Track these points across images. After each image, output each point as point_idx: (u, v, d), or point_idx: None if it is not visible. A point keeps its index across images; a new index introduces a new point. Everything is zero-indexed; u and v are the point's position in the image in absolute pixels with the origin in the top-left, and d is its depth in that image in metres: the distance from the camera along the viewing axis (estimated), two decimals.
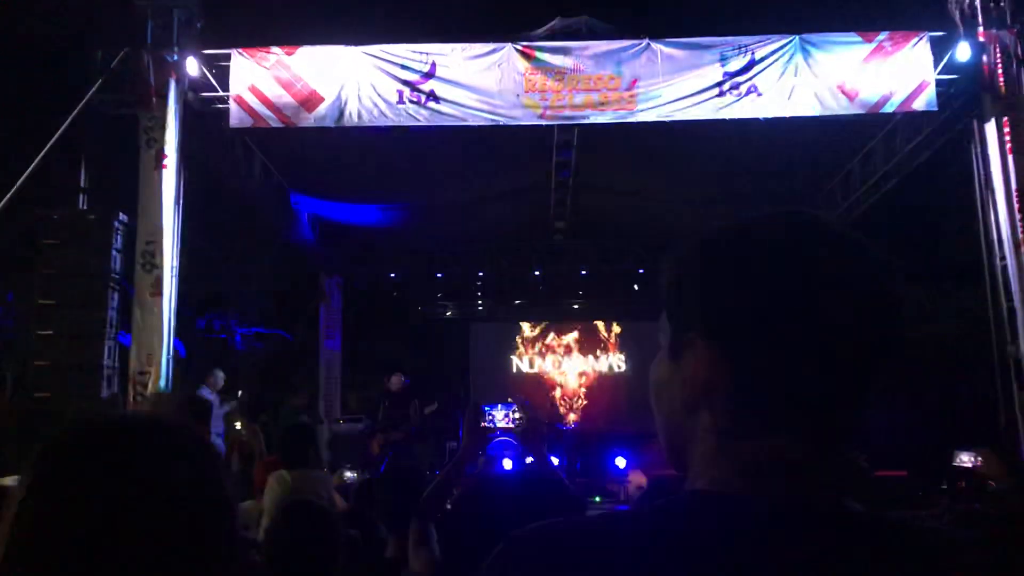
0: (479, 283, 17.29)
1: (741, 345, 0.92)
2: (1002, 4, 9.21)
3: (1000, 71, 9.04)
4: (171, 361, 9.02)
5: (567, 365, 19.54)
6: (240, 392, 12.42)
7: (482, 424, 3.36)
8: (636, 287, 17.58)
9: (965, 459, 9.58)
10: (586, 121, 9.52)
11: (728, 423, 0.94)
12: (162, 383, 8.75)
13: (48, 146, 8.85)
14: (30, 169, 8.77)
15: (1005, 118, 8.97)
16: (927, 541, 0.91)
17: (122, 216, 9.27)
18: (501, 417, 10.77)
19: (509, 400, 14.87)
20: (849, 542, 0.88)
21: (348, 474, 11.22)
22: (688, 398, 0.97)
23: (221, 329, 17.71)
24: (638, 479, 13.62)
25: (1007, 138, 8.92)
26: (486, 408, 11.61)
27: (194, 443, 1.07)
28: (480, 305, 18.72)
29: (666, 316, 1.03)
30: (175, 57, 9.20)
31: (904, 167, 11.25)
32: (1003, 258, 8.98)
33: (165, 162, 9.05)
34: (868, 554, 0.87)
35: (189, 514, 1.02)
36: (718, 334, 0.94)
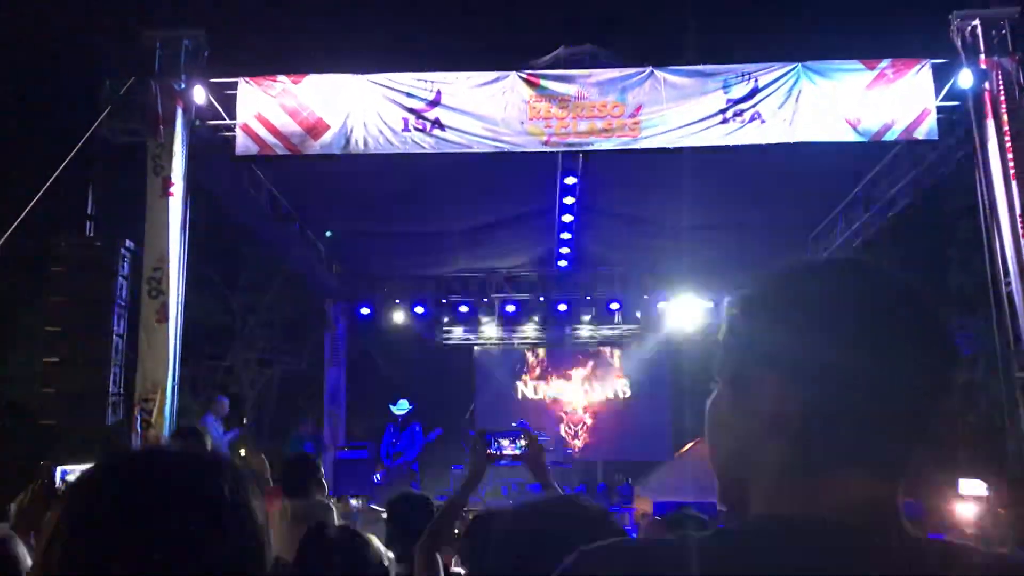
0: (484, 309, 17.27)
1: (812, 382, 0.95)
2: (1003, 32, 9.26)
3: (1003, 98, 9.08)
4: (176, 388, 9.02)
5: (571, 392, 19.48)
6: (245, 420, 12.41)
7: (488, 451, 3.36)
8: (639, 314, 17.58)
9: (972, 487, 9.52)
10: (590, 148, 9.57)
11: (796, 458, 0.96)
12: (167, 410, 8.75)
13: (56, 174, 8.91)
14: (37, 196, 8.83)
15: (1008, 144, 8.99)
16: (990, 565, 0.93)
17: (128, 243, 9.31)
18: (508, 445, 10.75)
19: (515, 426, 14.82)
20: (915, 566, 0.90)
21: (353, 501, 11.18)
22: (755, 433, 0.99)
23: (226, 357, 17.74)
24: (643, 506, 13.60)
25: (1011, 164, 8.93)
26: (492, 436, 11.55)
27: (233, 479, 1.03)
28: (485, 331, 18.68)
29: (726, 351, 1.06)
30: (182, 86, 9.28)
31: (908, 193, 11.27)
32: (1008, 283, 8.96)
33: (171, 189, 9.10)
34: None
35: (225, 552, 0.99)
36: (789, 370, 0.97)
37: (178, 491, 0.98)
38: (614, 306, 17.07)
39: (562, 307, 17.03)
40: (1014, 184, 8.90)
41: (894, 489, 0.96)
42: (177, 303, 9.07)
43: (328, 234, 14.26)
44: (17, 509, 3.13)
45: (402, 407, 12.51)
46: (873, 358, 0.93)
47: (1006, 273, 9.05)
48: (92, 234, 9.69)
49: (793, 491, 0.96)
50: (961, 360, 1.02)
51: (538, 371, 19.60)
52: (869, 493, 0.94)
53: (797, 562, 0.89)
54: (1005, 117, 9.04)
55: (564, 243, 14.72)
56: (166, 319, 8.90)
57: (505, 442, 3.29)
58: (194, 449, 1.06)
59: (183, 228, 9.24)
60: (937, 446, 0.98)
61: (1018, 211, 8.82)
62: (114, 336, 9.10)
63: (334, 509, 5.28)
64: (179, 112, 9.22)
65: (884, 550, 0.91)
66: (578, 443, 18.69)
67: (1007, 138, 9.02)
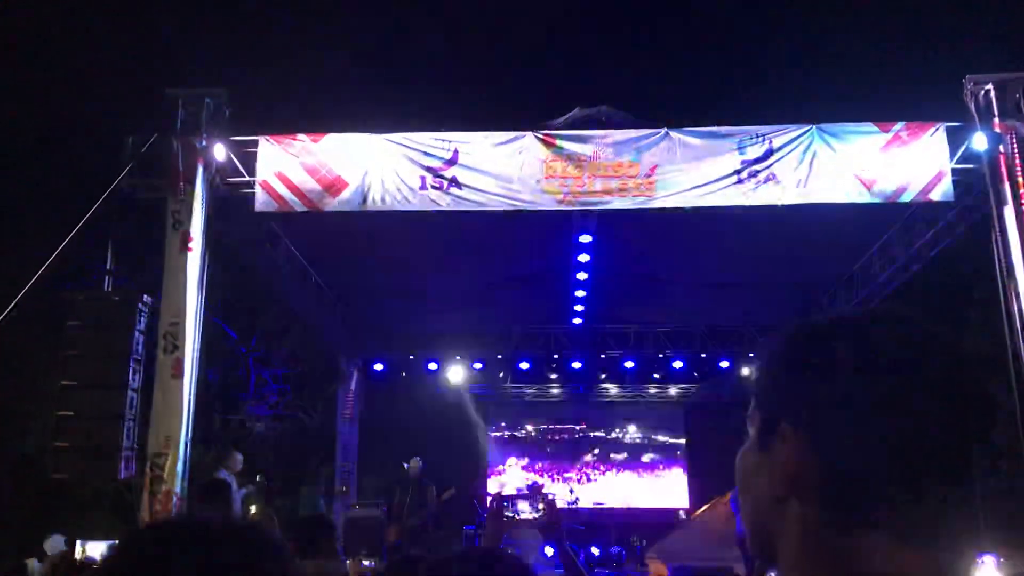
0: (499, 367, 17.22)
1: (831, 437, 0.93)
2: (1017, 95, 9.32)
3: (1018, 161, 9.09)
4: (189, 443, 8.99)
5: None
6: (259, 476, 12.33)
7: (505, 515, 3.32)
8: (657, 376, 17.52)
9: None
10: (606, 207, 9.61)
11: (817, 516, 0.94)
12: (179, 466, 8.71)
13: (76, 228, 9.01)
14: (58, 250, 8.93)
15: None
16: None
17: (146, 298, 9.37)
18: (526, 509, 10.57)
19: (529, 489, 14.70)
20: None
21: (365, 562, 11.05)
22: (777, 488, 0.97)
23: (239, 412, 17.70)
24: (657, 568, 13.36)
25: None
26: (509, 499, 11.42)
27: (275, 555, 1.02)
28: (501, 388, 18.61)
29: (755, 404, 1.04)
30: (203, 143, 9.42)
31: (925, 255, 11.25)
32: None
33: (191, 244, 9.18)
34: None
35: None
36: (808, 424, 0.95)
37: (222, 569, 0.95)
38: (628, 364, 17.01)
39: (576, 364, 16.98)
40: None
41: (936, 561, 0.91)
42: (192, 358, 9.08)
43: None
44: None
45: (415, 465, 12.37)
46: (899, 417, 0.90)
47: None
48: (110, 288, 9.76)
49: (816, 555, 0.93)
50: (998, 417, 0.97)
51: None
52: (894, 559, 0.89)
53: None
54: (1021, 180, 9.05)
55: (579, 300, 14.72)
56: (181, 374, 8.91)
57: (523, 506, 3.24)
58: (228, 521, 1.03)
59: (200, 284, 9.29)
60: (973, 510, 0.94)
61: None
62: (129, 391, 9.10)
63: (349, 572, 5.21)
64: (200, 169, 9.34)
65: None
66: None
67: (1023, 199, 9.02)
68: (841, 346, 0.96)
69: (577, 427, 19.58)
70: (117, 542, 1.03)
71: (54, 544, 8.65)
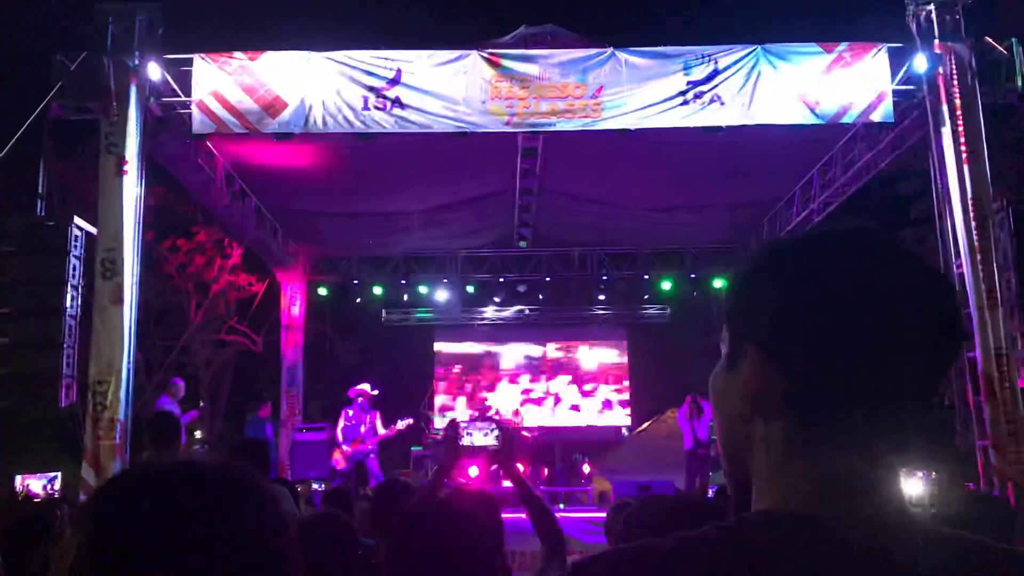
0: (443, 290, 17.20)
1: (794, 357, 0.92)
2: (957, 16, 9.40)
3: (956, 83, 9.22)
4: (132, 370, 8.87)
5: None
6: (202, 403, 12.25)
7: (459, 444, 3.34)
8: (602, 296, 17.71)
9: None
10: (552, 128, 9.55)
11: (784, 436, 0.93)
12: (122, 393, 8.60)
13: (4, 151, 8.68)
14: None
15: (961, 129, 9.14)
16: (1002, 559, 0.89)
17: (80, 222, 9.11)
18: (481, 437, 10.60)
19: (480, 415, 14.86)
20: (935, 562, 0.86)
21: (315, 486, 11.17)
22: (743, 407, 0.97)
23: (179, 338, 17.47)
24: (601, 484, 13.71)
25: (963, 148, 9.09)
26: (464, 426, 11.50)
27: (262, 496, 0.97)
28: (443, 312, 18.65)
29: (726, 326, 1.03)
30: (136, 62, 9.07)
31: (863, 175, 11.45)
32: (960, 265, 9.14)
33: (125, 168, 8.91)
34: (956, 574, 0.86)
35: (250, 571, 0.93)
36: (771, 344, 0.94)
37: (213, 511, 0.92)
38: (572, 286, 17.18)
39: (521, 288, 17.05)
40: (966, 168, 9.06)
41: (894, 477, 0.91)
42: (132, 284, 8.91)
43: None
44: None
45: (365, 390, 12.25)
46: (858, 330, 0.89)
47: (957, 254, 9.23)
48: (42, 213, 9.46)
49: (785, 477, 0.92)
50: (963, 330, 0.96)
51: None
52: (862, 477, 0.89)
53: (794, 567, 0.85)
54: (958, 102, 9.19)
55: (524, 223, 14.72)
56: (121, 301, 8.74)
57: (478, 434, 3.27)
58: (230, 467, 0.98)
59: (137, 207, 9.06)
60: (936, 430, 0.94)
61: (969, 194, 8.99)
62: (67, 317, 8.91)
63: (288, 494, 5.20)
64: (133, 89, 9.02)
65: (886, 548, 0.86)
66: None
67: (959, 122, 9.17)
68: (801, 262, 0.95)
69: (523, 349, 19.77)
70: (97, 487, 0.98)
71: None
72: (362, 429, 11.80)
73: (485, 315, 19.08)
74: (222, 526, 0.91)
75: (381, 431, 11.91)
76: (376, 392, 12.28)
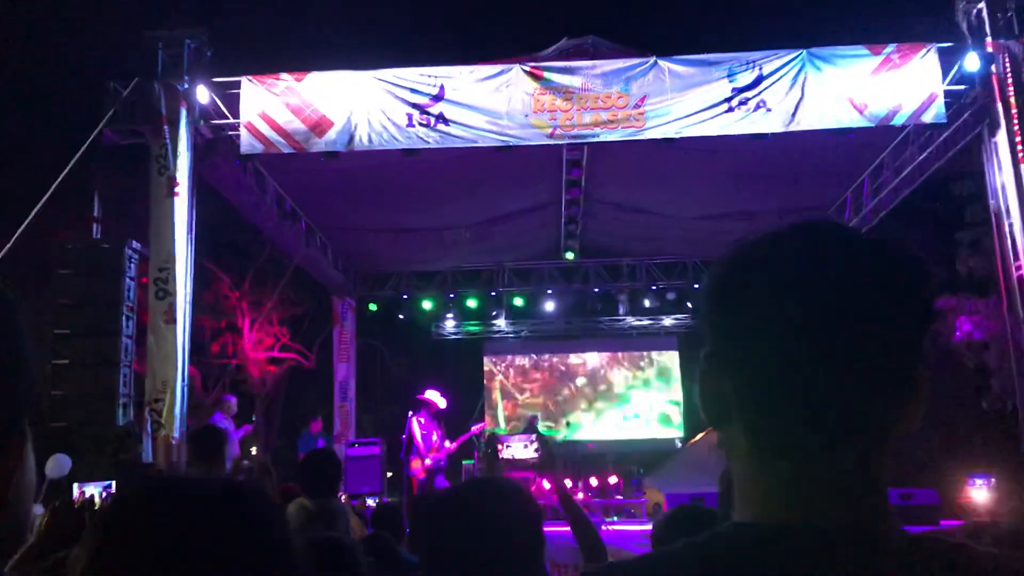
0: (492, 303, 17.23)
1: (737, 366, 0.90)
2: (1009, 14, 9.20)
3: (1010, 80, 9.02)
4: (186, 388, 9.03)
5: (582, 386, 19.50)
6: (254, 418, 12.37)
7: (499, 457, 3.32)
8: (647, 303, 17.57)
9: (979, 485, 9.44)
10: (596, 139, 9.53)
11: (746, 447, 0.91)
12: (176, 410, 8.76)
13: (61, 177, 8.92)
14: (43, 200, 8.84)
15: (1016, 127, 8.93)
16: (987, 565, 0.85)
17: (135, 244, 9.32)
18: (520, 448, 10.33)
19: (527, 427, 14.75)
20: (910, 568, 0.83)
21: (369, 501, 11.12)
22: (708, 417, 0.95)
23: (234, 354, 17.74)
24: (654, 495, 13.57)
25: (1019, 147, 8.88)
26: (503, 440, 11.27)
27: (270, 517, 0.99)
28: (493, 325, 18.67)
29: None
30: (185, 86, 9.28)
31: (916, 177, 11.21)
32: (1019, 267, 8.92)
33: (177, 189, 9.11)
34: None
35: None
36: (722, 352, 0.92)
37: (223, 522, 0.92)
38: (621, 297, 17.08)
39: (570, 299, 17.02)
40: (1023, 167, 8.84)
41: (865, 483, 0.87)
42: (185, 303, 9.08)
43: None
44: (38, 530, 3.09)
45: (436, 397, 11.44)
46: (810, 332, 0.84)
47: (1016, 256, 9.00)
48: (99, 236, 9.70)
49: (752, 488, 0.90)
50: (928, 321, 0.89)
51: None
52: (831, 483, 0.85)
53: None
54: (1013, 100, 8.99)
55: (571, 234, 14.70)
56: (174, 320, 8.91)
57: (517, 446, 3.25)
58: (241, 486, 0.99)
59: (189, 228, 9.24)
60: (908, 428, 0.89)
61: None
62: (123, 337, 9.11)
63: (348, 510, 5.21)
64: (183, 112, 9.23)
65: (865, 551, 0.83)
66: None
67: (1015, 121, 8.96)
68: (750, 268, 0.92)
69: (572, 360, 19.69)
70: (112, 498, 0.99)
71: (59, 466, 7.31)
72: (434, 437, 11.10)
73: (534, 326, 19.05)
74: (221, 548, 0.91)
75: (447, 444, 11.11)
76: (445, 403, 11.45)
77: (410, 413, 10.85)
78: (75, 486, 7.33)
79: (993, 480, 9.43)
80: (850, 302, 0.86)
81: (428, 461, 10.59)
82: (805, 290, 0.87)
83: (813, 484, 0.87)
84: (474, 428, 11.50)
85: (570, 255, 15.64)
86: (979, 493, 9.80)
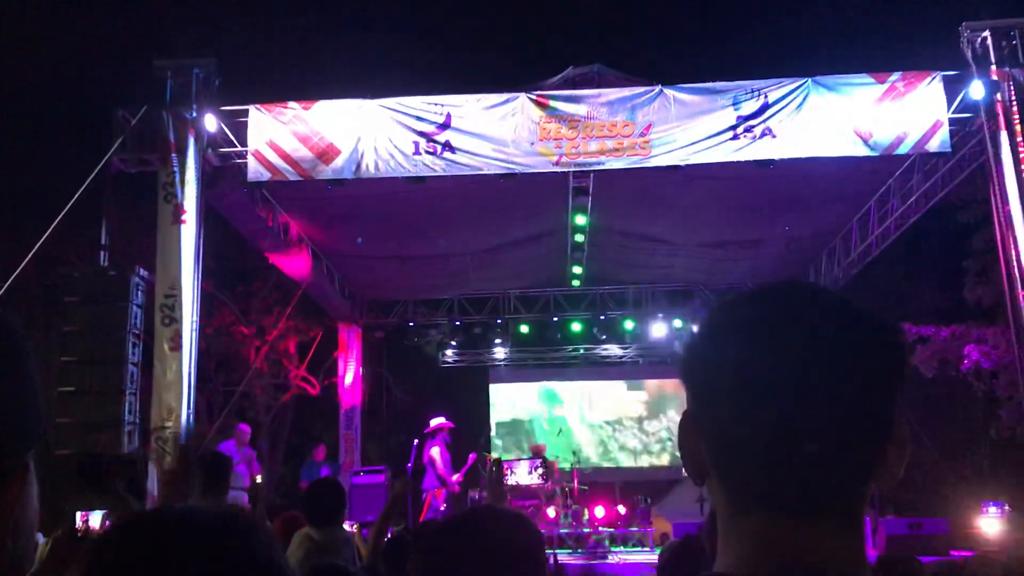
0: (497, 331, 17.22)
1: (715, 424, 0.91)
2: (1014, 42, 9.23)
3: (1015, 108, 9.03)
4: (192, 415, 9.01)
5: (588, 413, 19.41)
6: (258, 445, 12.30)
7: (505, 483, 3.31)
8: (654, 330, 17.54)
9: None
10: (601, 167, 9.57)
11: (722, 499, 0.92)
12: (183, 437, 8.73)
13: (69, 205, 8.96)
14: (51, 228, 8.88)
15: (1022, 154, 8.93)
16: None
17: (142, 271, 9.34)
18: (525, 474, 10.23)
19: (533, 453, 14.66)
20: None
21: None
22: (688, 470, 0.96)
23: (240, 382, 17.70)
24: (661, 525, 13.48)
25: None
26: (509, 465, 11.14)
27: (262, 547, 0.98)
28: (498, 353, 18.64)
29: None
30: (194, 114, 9.34)
31: (922, 205, 11.20)
32: None
33: (184, 216, 9.14)
34: None
35: None
36: (697, 411, 0.93)
37: (210, 556, 0.92)
38: (629, 325, 17.07)
39: (576, 327, 17.01)
40: None
41: (838, 534, 0.87)
42: (191, 330, 9.08)
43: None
44: (40, 559, 3.07)
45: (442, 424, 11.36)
46: (772, 390, 0.85)
47: (1023, 284, 8.96)
48: (106, 263, 9.72)
49: (729, 538, 0.90)
50: (904, 361, 0.90)
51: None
52: (804, 542, 0.85)
53: None
54: (1018, 127, 8.99)
55: (576, 261, 14.71)
56: (180, 347, 8.91)
57: (523, 472, 3.23)
58: (234, 517, 0.98)
59: (196, 255, 9.26)
60: (892, 475, 0.88)
61: None
62: (129, 365, 9.10)
63: (352, 539, 5.17)
64: (191, 140, 9.28)
65: None
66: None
67: (1020, 148, 8.96)
68: (711, 338, 0.94)
69: (578, 388, 19.62)
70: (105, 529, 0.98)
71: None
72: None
73: (540, 353, 19.01)
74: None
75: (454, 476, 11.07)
76: (452, 427, 11.37)
77: (424, 440, 10.96)
78: (78, 515, 7.30)
79: (1007, 507, 9.34)
80: (814, 368, 0.86)
81: (455, 488, 10.74)
82: (767, 358, 0.87)
83: (782, 538, 0.87)
84: (471, 457, 11.54)
85: (576, 282, 15.66)
86: (990, 523, 9.71)
